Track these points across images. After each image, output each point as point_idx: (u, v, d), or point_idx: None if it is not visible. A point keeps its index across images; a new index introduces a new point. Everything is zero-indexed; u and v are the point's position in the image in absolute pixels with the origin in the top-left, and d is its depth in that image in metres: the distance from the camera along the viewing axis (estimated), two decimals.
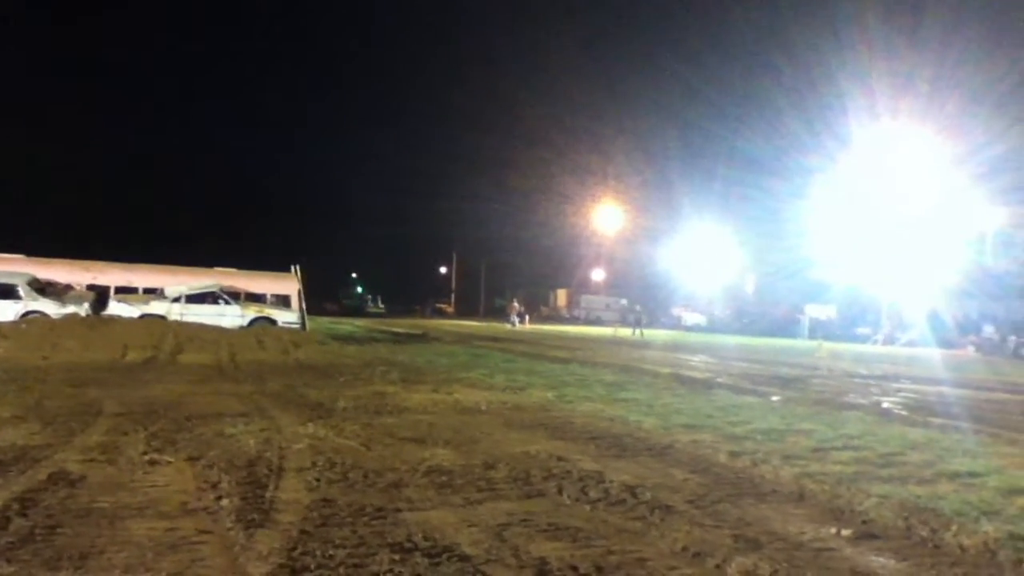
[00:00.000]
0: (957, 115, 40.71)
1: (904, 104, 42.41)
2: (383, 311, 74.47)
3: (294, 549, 4.13)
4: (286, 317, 25.13)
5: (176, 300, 23.74)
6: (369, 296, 78.56)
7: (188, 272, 26.62)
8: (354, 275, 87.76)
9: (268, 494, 5.23)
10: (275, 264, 29.43)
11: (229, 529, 4.47)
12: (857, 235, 44.83)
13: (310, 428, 7.83)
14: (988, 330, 37.68)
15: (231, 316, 24.04)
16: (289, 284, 27.38)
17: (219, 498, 5.11)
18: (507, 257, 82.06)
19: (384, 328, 38.85)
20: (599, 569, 4.02)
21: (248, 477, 5.68)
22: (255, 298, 26.23)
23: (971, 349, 37.16)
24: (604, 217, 74.22)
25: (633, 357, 22.13)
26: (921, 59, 41.58)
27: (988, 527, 4.87)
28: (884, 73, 43.88)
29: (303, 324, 25.58)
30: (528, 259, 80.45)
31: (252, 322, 24.20)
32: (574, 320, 70.56)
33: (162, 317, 22.88)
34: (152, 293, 24.86)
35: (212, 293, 24.52)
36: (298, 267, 27.89)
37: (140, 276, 26.16)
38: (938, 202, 42.60)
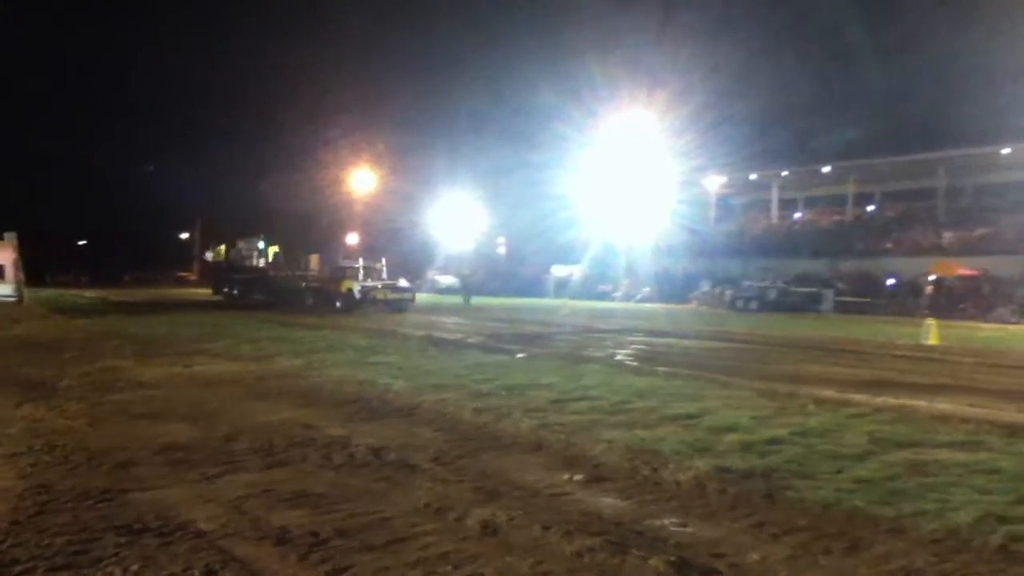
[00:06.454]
0: (681, 89, 44.43)
1: (639, 78, 45.75)
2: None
3: (3, 542, 3.77)
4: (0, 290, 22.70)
5: None
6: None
7: None
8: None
9: None
10: None
11: None
12: (600, 199, 47.65)
13: (27, 410, 7.13)
14: (708, 286, 41.65)
15: None
16: (2, 253, 24.65)
17: None
18: (256, 222, 78.93)
19: (117, 299, 36.06)
20: (341, 532, 4.02)
21: None
22: None
23: (695, 303, 40.94)
24: (357, 181, 73.32)
25: (387, 321, 22.15)
26: (648, 37, 45.29)
27: (700, 463, 5.38)
28: (624, 48, 47.18)
29: (20, 297, 23.23)
30: (278, 224, 77.88)
31: None
32: None
33: None
34: None
35: None
36: (15, 234, 25.18)
37: None
38: (668, 169, 46.30)
